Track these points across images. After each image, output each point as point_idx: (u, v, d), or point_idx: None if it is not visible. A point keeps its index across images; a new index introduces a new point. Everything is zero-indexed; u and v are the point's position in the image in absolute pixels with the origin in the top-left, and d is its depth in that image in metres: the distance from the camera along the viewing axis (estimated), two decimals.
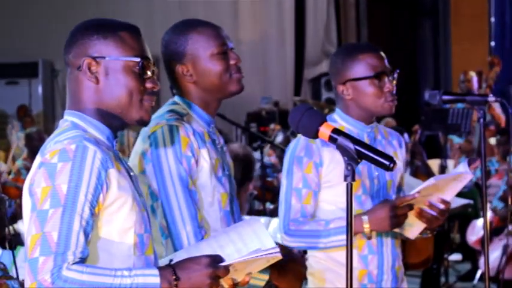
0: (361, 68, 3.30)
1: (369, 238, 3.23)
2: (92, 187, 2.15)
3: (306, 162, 3.29)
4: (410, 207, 3.16)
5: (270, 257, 2.32)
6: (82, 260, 2.12)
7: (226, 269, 2.24)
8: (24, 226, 2.19)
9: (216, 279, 2.22)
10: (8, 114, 15.37)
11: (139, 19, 15.41)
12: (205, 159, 2.86)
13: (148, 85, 2.33)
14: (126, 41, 2.31)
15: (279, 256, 2.32)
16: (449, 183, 3.21)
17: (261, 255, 2.29)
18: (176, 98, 3.00)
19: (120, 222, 2.22)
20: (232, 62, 2.95)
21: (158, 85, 2.35)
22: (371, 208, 3.20)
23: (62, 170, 2.14)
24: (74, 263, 2.10)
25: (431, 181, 3.13)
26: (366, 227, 3.15)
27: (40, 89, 15.63)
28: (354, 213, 2.39)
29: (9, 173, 9.16)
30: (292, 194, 3.31)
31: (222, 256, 2.26)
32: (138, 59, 2.30)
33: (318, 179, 3.30)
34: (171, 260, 2.27)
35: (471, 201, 6.83)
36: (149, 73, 2.33)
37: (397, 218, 3.13)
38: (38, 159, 2.21)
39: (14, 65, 15.63)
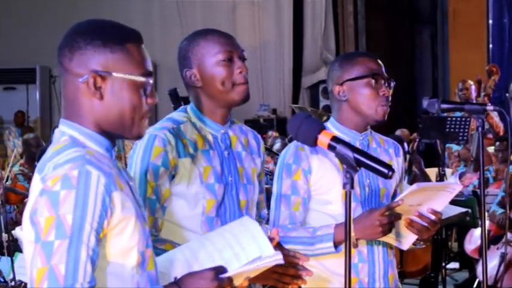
0: (358, 69, 3.32)
1: (355, 246, 3.23)
2: (97, 215, 2.09)
3: (295, 169, 3.30)
4: (397, 216, 3.15)
5: (272, 264, 2.31)
6: None
7: (230, 279, 2.23)
8: (26, 254, 2.13)
9: None
10: (5, 120, 15.38)
11: (137, 26, 15.42)
12: (186, 167, 2.94)
13: (150, 100, 2.25)
14: (132, 55, 2.22)
15: (282, 262, 2.32)
16: (438, 193, 3.20)
17: (264, 265, 2.29)
18: (189, 105, 3.09)
19: (124, 242, 2.17)
20: (237, 70, 3.00)
21: (157, 97, 2.30)
22: (357, 216, 3.19)
23: (65, 199, 2.06)
24: None
25: (413, 187, 3.10)
26: (352, 235, 3.14)
27: (37, 95, 15.64)
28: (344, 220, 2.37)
29: (6, 179, 9.13)
30: (281, 201, 3.32)
31: (224, 266, 2.25)
32: (145, 79, 2.23)
33: (307, 185, 3.30)
34: (175, 278, 2.25)
35: (469, 210, 6.81)
36: (151, 88, 2.26)
37: (383, 226, 3.12)
38: (39, 185, 2.12)
39: (12, 71, 15.65)
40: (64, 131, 2.24)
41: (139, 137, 2.29)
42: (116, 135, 2.26)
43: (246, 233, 2.40)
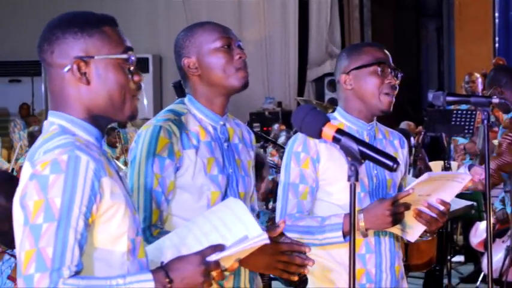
0: (365, 57, 3.34)
1: (365, 236, 3.22)
2: (86, 199, 2.10)
3: (304, 158, 3.29)
4: (407, 206, 3.14)
5: (258, 244, 2.30)
6: (77, 273, 2.09)
7: (217, 263, 2.22)
8: (16, 238, 2.15)
9: (208, 275, 2.21)
10: (11, 113, 15.40)
11: (142, 20, 15.44)
12: (191, 159, 2.93)
13: (136, 78, 2.28)
14: (110, 36, 2.25)
15: (268, 241, 2.29)
16: (447, 183, 3.19)
17: (250, 245, 2.27)
18: (186, 97, 3.07)
19: (113, 229, 2.18)
20: (236, 56, 3.00)
21: (142, 76, 2.32)
22: (367, 206, 3.19)
23: (54, 183, 2.08)
24: (69, 277, 2.06)
25: (424, 177, 3.10)
26: (362, 225, 3.15)
27: (43, 87, 15.65)
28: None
29: (12, 172, 9.14)
30: (289, 189, 3.31)
31: (210, 249, 2.23)
32: (126, 55, 2.26)
33: (316, 175, 3.30)
34: (162, 262, 2.25)
35: (474, 203, 6.81)
36: (134, 65, 2.29)
37: (393, 216, 3.12)
38: (28, 169, 2.14)
39: (17, 63, 15.66)
40: (53, 121, 2.26)
41: (132, 117, 2.30)
42: (107, 119, 2.27)
43: (231, 214, 2.39)
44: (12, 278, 3.43)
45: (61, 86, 2.25)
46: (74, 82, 2.23)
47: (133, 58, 2.27)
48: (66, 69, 2.23)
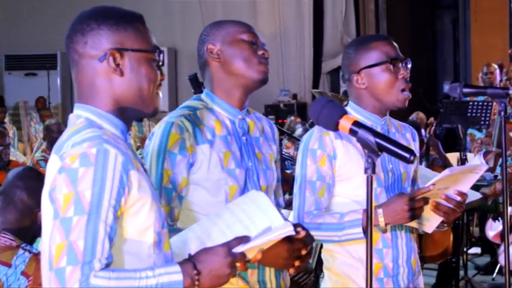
0: (375, 55, 3.30)
1: (384, 232, 3.22)
2: (115, 192, 2.13)
3: (320, 155, 3.28)
4: (426, 201, 3.14)
5: (283, 236, 2.33)
6: (107, 266, 2.11)
7: (243, 254, 2.25)
8: (45, 232, 2.17)
9: (235, 266, 2.23)
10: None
11: (158, 12, 15.44)
12: (205, 154, 2.93)
13: (162, 74, 2.35)
14: (142, 32, 2.31)
15: (293, 233, 2.33)
16: (466, 175, 3.19)
17: (275, 237, 2.30)
18: (203, 92, 3.08)
19: (140, 222, 2.21)
20: (259, 51, 3.03)
21: (165, 73, 2.39)
22: (386, 201, 3.18)
23: (84, 176, 2.11)
24: (100, 270, 2.09)
25: (446, 173, 3.09)
26: (381, 220, 3.14)
27: (58, 81, 15.68)
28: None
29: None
30: (306, 187, 3.30)
31: (236, 241, 2.26)
32: (157, 52, 2.32)
33: (332, 171, 3.29)
34: (189, 254, 2.26)
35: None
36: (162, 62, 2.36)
37: (412, 211, 3.11)
38: (57, 163, 2.16)
39: (33, 57, 15.70)
40: (79, 114, 2.28)
41: (155, 111, 2.34)
42: (134, 112, 2.31)
43: (254, 206, 2.42)
44: (26, 274, 3.41)
45: (92, 77, 2.28)
46: (106, 73, 2.27)
47: (162, 55, 2.33)
48: (101, 59, 2.26)
